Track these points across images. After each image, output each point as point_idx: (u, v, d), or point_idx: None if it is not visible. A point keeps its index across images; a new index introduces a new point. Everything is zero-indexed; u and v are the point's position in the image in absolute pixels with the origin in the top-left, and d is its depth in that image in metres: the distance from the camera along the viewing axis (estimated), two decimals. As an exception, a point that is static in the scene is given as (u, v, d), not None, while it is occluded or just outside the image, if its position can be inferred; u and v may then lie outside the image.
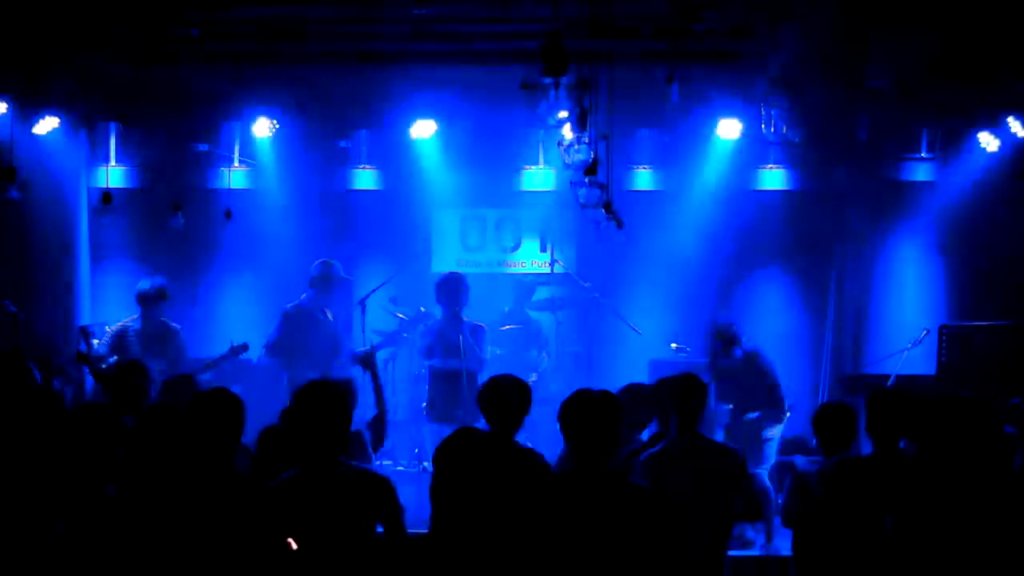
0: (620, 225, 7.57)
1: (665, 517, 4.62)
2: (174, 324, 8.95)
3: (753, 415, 8.30)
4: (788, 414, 8.50)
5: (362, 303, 10.02)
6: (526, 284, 10.70)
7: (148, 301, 8.76)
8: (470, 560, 4.79)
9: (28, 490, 3.96)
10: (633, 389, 6.22)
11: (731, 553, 6.05)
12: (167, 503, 4.47)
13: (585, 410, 4.66)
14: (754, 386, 8.42)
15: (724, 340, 8.50)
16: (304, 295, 9.36)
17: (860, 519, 5.19)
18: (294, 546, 4.49)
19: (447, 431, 8.32)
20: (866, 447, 5.64)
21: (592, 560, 4.48)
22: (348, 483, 4.60)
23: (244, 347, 8.95)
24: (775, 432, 8.39)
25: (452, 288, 9.04)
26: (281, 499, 4.53)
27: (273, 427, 5.56)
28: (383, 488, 4.66)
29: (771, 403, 8.39)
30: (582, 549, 4.48)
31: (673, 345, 10.06)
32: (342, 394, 4.79)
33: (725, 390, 8.46)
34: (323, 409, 4.64)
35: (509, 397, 5.67)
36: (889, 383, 8.84)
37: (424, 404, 9.20)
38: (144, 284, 8.87)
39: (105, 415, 4.71)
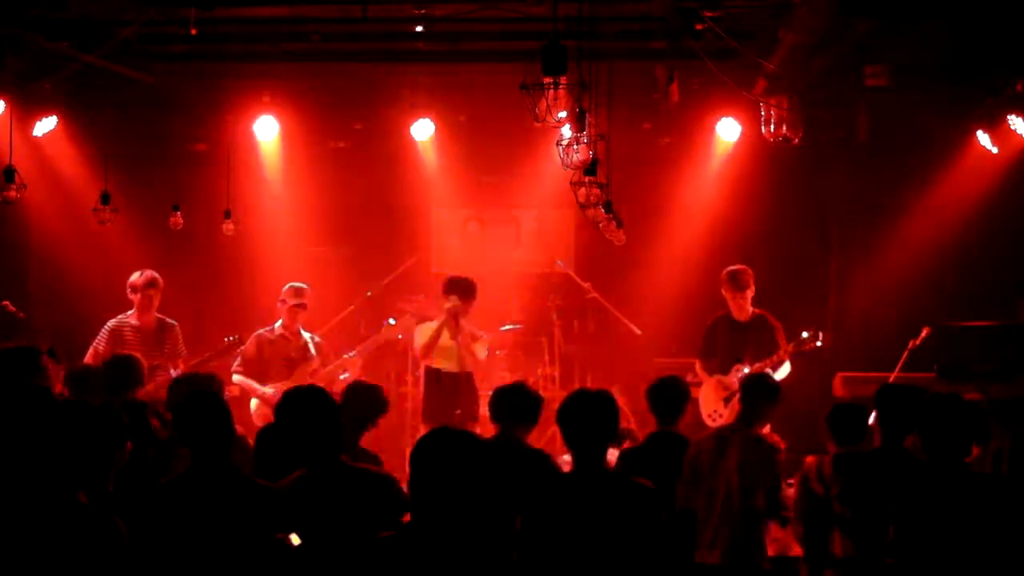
0: (620, 225, 7.58)
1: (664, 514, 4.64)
2: (170, 320, 8.98)
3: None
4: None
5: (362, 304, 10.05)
6: (525, 284, 10.71)
7: (139, 292, 8.80)
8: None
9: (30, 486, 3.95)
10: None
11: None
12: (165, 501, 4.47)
13: (584, 410, 4.67)
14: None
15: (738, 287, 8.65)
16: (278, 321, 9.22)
17: (865, 515, 5.21)
18: (296, 541, 4.48)
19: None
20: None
21: (592, 559, 4.48)
22: (351, 483, 4.61)
23: (238, 341, 8.94)
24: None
25: (462, 291, 8.99)
26: (286, 500, 4.53)
27: (271, 425, 5.55)
28: (387, 486, 4.68)
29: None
30: (582, 548, 4.48)
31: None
32: (327, 396, 4.83)
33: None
34: (311, 412, 4.67)
35: (523, 408, 5.79)
36: (888, 383, 8.83)
37: (422, 406, 9.18)
38: (135, 276, 8.92)
39: (105, 412, 4.68)
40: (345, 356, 9.08)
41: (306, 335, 9.05)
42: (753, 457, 5.90)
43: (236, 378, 8.91)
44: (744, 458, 5.89)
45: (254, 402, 8.85)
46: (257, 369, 8.90)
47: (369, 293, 10.01)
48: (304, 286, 9.15)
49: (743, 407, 6.13)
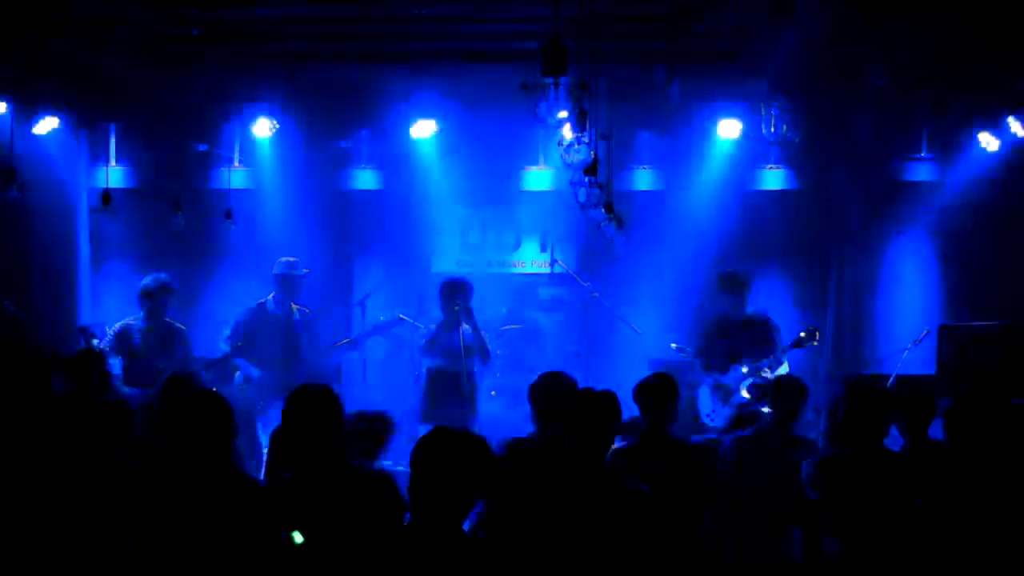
0: (620, 225, 7.58)
1: (662, 519, 4.64)
2: (179, 324, 8.96)
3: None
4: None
5: (362, 303, 10.04)
6: (526, 284, 10.70)
7: (151, 297, 8.76)
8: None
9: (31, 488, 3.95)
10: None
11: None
12: (167, 502, 4.46)
13: (586, 410, 4.67)
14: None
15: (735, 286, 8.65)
16: (271, 294, 9.36)
17: (855, 516, 5.21)
18: (298, 539, 4.47)
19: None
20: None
21: (588, 561, 4.48)
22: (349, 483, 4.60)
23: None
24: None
25: (458, 292, 9.01)
26: (282, 500, 4.53)
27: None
28: (384, 486, 4.66)
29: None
30: (578, 550, 4.48)
31: (673, 345, 10.06)
32: (332, 396, 4.80)
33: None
34: (315, 412, 4.65)
35: None
36: (889, 383, 8.84)
37: (422, 404, 9.18)
38: (147, 280, 8.89)
39: (113, 412, 4.67)
40: None
41: (295, 309, 9.15)
42: (795, 458, 5.88)
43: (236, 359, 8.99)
44: (787, 459, 5.89)
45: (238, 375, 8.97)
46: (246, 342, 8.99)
47: (369, 294, 9.98)
48: (295, 259, 9.32)
49: (778, 409, 6.15)
